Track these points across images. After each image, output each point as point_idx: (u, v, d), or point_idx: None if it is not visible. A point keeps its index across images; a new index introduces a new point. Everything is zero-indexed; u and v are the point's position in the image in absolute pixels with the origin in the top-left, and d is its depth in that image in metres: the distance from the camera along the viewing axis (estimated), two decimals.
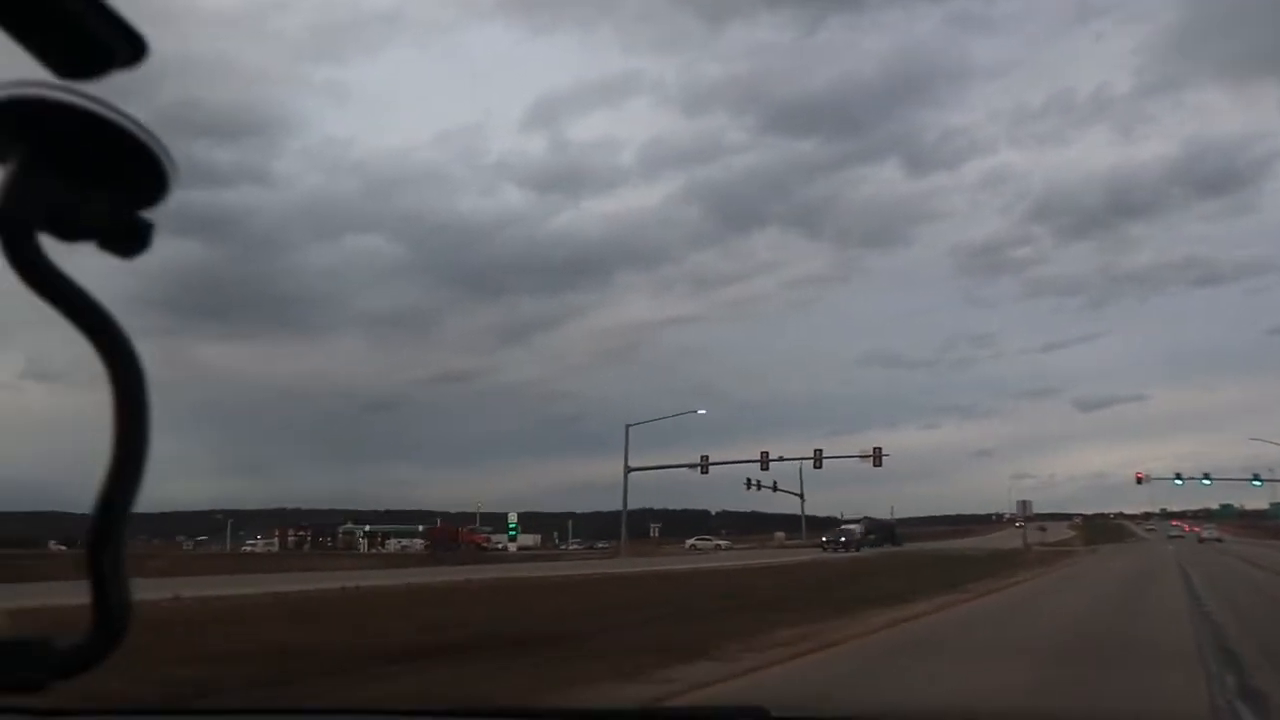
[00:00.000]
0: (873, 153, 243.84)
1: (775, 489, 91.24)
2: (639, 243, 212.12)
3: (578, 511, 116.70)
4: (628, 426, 61.14)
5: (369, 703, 5.32)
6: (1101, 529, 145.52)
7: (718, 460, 63.45)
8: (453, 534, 79.65)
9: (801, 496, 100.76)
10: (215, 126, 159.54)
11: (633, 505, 64.95)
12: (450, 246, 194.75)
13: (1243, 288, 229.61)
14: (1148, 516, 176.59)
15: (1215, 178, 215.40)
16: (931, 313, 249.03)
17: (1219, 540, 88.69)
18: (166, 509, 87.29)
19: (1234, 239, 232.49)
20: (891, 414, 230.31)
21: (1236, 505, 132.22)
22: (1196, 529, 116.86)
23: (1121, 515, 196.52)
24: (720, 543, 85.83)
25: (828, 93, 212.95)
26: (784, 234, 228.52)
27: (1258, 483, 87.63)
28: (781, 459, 62.74)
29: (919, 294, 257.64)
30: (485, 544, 75.33)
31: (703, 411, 70.06)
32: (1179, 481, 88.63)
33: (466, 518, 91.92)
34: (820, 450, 62.24)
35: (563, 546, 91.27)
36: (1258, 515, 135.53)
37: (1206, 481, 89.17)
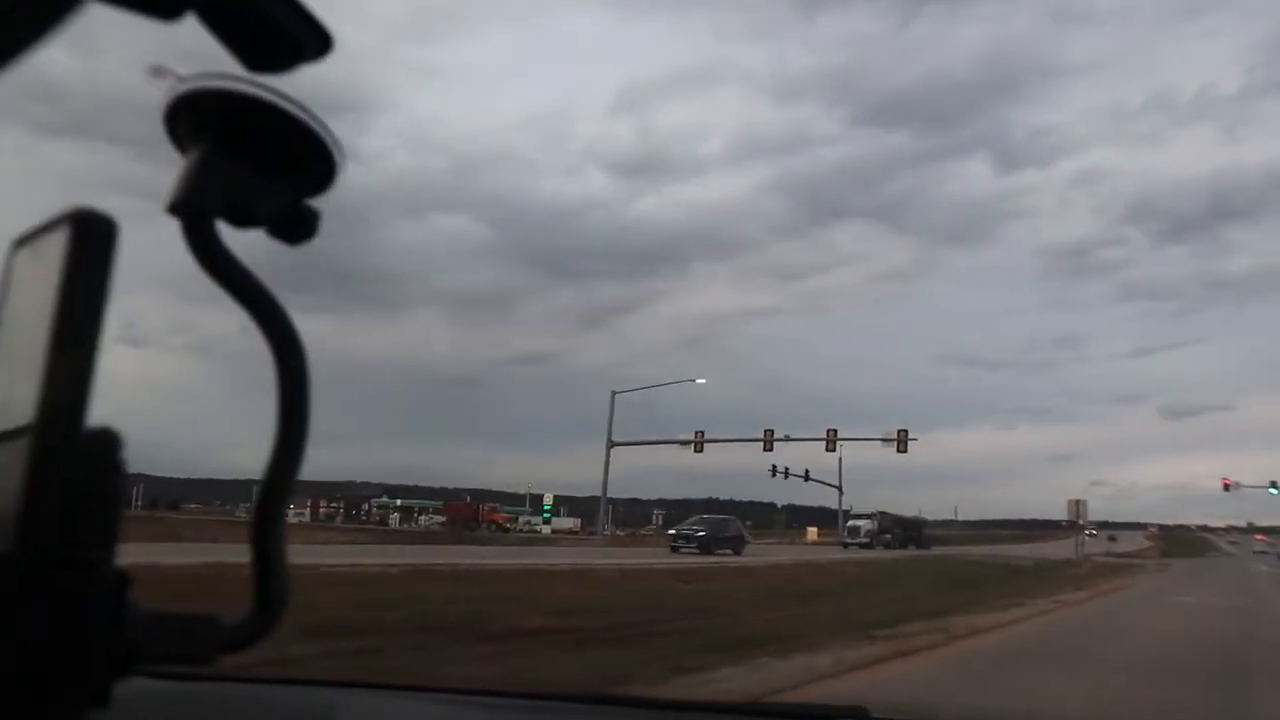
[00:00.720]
0: (962, 148, 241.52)
1: (807, 478, 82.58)
2: (720, 231, 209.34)
3: (644, 498, 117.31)
4: (614, 394, 52.79)
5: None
6: (1181, 541, 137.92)
7: (715, 439, 54.41)
8: (473, 511, 76.48)
9: (840, 489, 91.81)
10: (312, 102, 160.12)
11: (697, 495, 58.42)
12: (533, 228, 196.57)
13: None
14: (1231, 530, 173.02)
15: None
16: (1015, 313, 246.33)
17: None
18: (239, 475, 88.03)
19: None
20: (966, 413, 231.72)
21: None
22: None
23: (1204, 528, 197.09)
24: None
25: (919, 85, 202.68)
26: (868, 228, 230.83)
27: None
28: (788, 438, 53.48)
29: (1003, 293, 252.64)
30: (508, 524, 72.49)
31: (702, 380, 61.19)
32: (1275, 490, 78.56)
33: (518, 499, 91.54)
34: (834, 430, 52.97)
35: (605, 532, 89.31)
36: None
37: None
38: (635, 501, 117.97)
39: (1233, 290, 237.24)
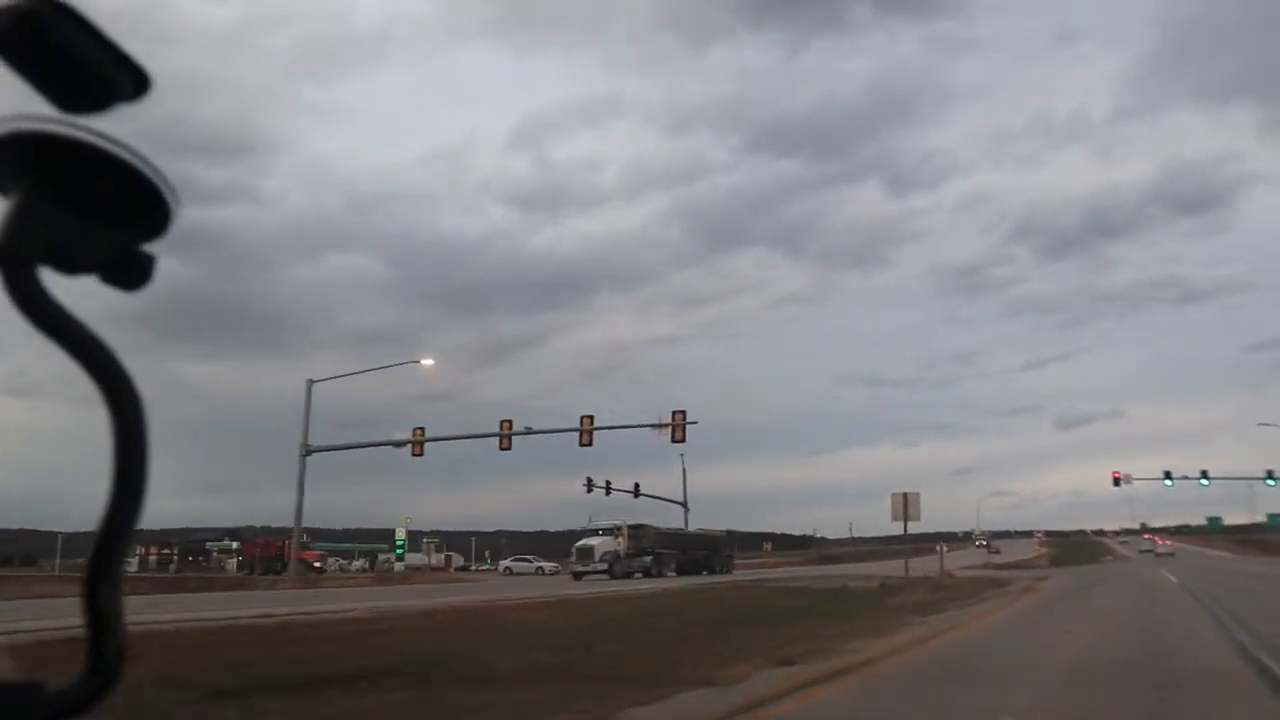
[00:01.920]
0: (855, 173, 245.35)
1: (637, 494, 70.50)
2: (621, 262, 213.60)
3: (551, 530, 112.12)
4: (310, 382, 40.86)
5: None
6: (1076, 546, 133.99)
7: (439, 437, 41.68)
8: (276, 549, 66.25)
9: (685, 505, 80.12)
10: (201, 143, 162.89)
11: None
12: (432, 264, 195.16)
13: (1220, 305, 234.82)
14: (1125, 532, 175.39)
15: (1192, 198, 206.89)
16: (912, 332, 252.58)
17: (1171, 555, 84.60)
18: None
19: (1211, 258, 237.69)
20: (870, 432, 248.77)
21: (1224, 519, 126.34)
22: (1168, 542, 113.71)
23: (1099, 532, 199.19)
24: (545, 565, 64.55)
25: (811, 114, 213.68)
26: (767, 254, 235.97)
27: (1271, 482, 68.51)
28: (529, 430, 41.30)
29: (900, 313, 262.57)
30: (319, 562, 65.35)
31: (428, 361, 48.98)
32: (1169, 482, 70.37)
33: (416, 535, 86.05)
34: (590, 418, 41.02)
35: (476, 567, 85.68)
36: (1244, 529, 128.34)
37: (1205, 482, 70.70)
38: (540, 535, 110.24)
39: (1115, 303, 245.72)
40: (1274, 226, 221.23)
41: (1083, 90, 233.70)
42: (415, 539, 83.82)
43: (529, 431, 42.06)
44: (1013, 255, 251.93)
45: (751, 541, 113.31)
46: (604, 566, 45.09)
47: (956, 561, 74.05)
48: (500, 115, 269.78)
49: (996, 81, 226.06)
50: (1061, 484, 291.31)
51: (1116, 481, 72.55)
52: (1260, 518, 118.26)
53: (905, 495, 28.94)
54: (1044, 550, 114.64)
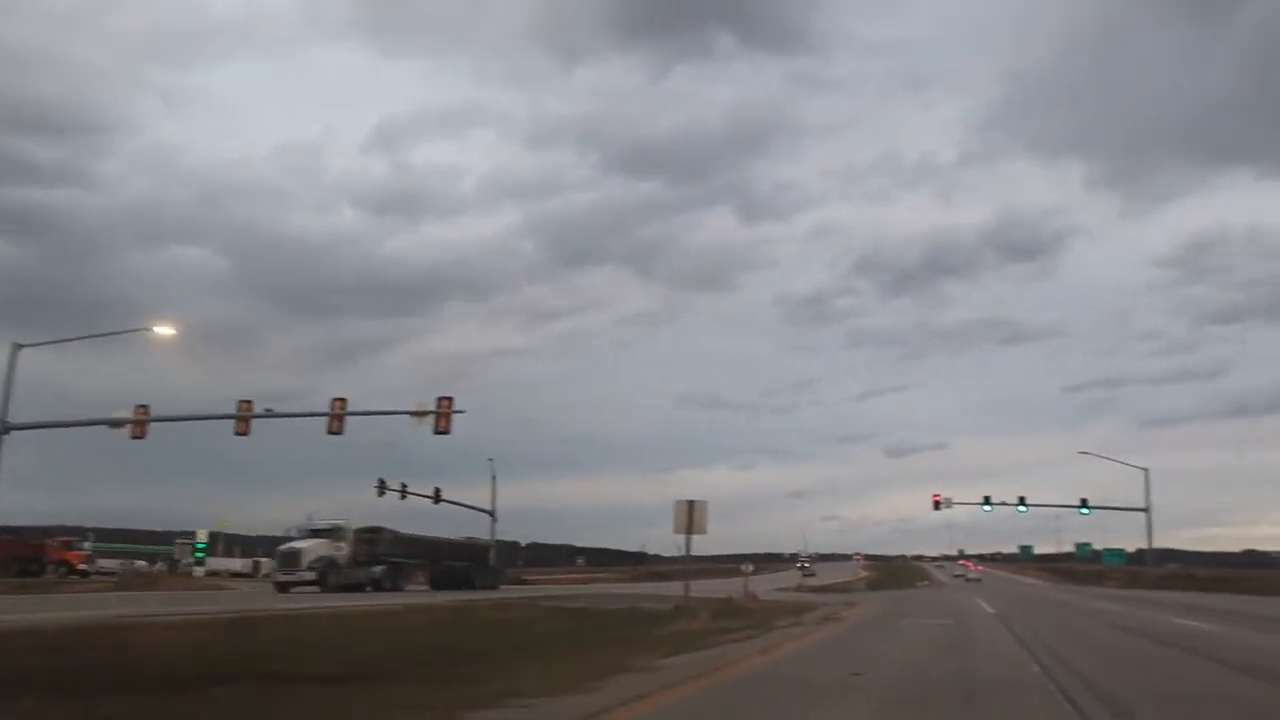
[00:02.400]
0: (709, 199, 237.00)
1: (437, 499, 64.12)
2: (473, 271, 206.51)
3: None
4: (16, 346, 32.39)
5: None
6: (898, 570, 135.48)
7: (169, 416, 34.45)
8: (33, 549, 57.49)
9: (493, 515, 73.94)
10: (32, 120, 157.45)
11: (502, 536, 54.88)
12: (280, 263, 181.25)
13: (1043, 348, 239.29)
14: (944, 558, 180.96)
15: (1023, 245, 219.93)
16: (755, 357, 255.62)
17: (979, 580, 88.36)
18: None
19: (1037, 303, 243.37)
20: (710, 453, 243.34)
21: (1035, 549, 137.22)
22: (979, 568, 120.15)
23: (920, 557, 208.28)
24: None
25: (671, 138, 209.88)
26: (618, 272, 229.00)
27: (1086, 510, 68.15)
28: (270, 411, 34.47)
29: (744, 338, 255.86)
30: (83, 563, 57.51)
31: (166, 330, 41.03)
32: (988, 508, 69.39)
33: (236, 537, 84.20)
34: (342, 401, 34.64)
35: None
36: (1052, 558, 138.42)
37: (1022, 509, 70.02)
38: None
39: (948, 339, 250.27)
40: (1093, 278, 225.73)
41: (930, 135, 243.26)
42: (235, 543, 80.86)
43: (269, 414, 35.34)
44: (856, 288, 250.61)
45: (566, 555, 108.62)
46: (312, 576, 37.66)
47: (772, 583, 71.02)
48: (359, 116, 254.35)
49: (850, 120, 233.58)
50: (888, 510, 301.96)
51: (937, 505, 70.95)
52: (1065, 548, 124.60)
53: (690, 504, 24.05)
54: (865, 574, 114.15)
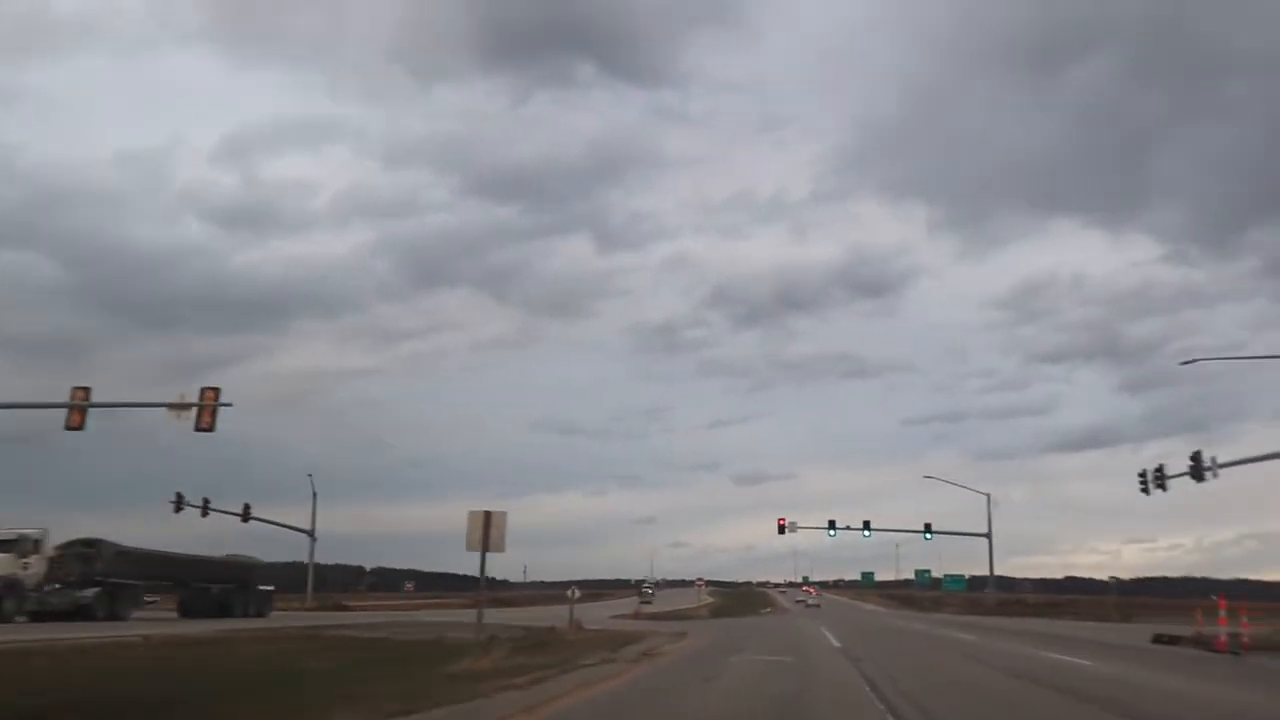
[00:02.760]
0: (566, 226, 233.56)
1: (205, 511, 57.85)
2: (325, 289, 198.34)
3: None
4: None
5: None
6: (744, 596, 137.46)
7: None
8: None
9: (312, 535, 67.75)
10: None
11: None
12: (119, 273, 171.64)
13: (883, 383, 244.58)
14: (790, 585, 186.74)
15: (869, 283, 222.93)
16: (608, 384, 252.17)
17: (818, 606, 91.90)
18: None
19: (879, 339, 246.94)
20: (562, 479, 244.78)
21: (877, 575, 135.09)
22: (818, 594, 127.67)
23: (765, 584, 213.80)
24: None
25: (531, 164, 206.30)
26: (473, 295, 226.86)
27: (929, 536, 67.15)
28: None
29: (598, 365, 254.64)
30: None
31: None
32: (832, 532, 67.49)
33: None
34: (85, 390, 28.86)
35: None
36: (891, 585, 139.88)
37: (867, 533, 68.46)
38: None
39: (795, 371, 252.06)
40: (933, 316, 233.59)
41: (783, 173, 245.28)
42: None
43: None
44: (708, 319, 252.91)
45: (397, 579, 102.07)
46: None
47: (610, 610, 67.41)
48: (210, 125, 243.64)
49: (707, 155, 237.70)
50: (736, 538, 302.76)
51: (782, 529, 68.71)
52: (905, 575, 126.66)
53: (487, 516, 19.88)
54: (710, 600, 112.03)
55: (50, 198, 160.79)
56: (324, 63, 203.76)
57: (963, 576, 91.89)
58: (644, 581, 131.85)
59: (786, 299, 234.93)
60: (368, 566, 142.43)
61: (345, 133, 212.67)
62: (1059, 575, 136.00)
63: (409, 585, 78.83)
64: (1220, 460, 37.22)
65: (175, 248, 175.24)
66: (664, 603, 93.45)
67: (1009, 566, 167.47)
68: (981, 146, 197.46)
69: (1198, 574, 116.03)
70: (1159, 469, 41.69)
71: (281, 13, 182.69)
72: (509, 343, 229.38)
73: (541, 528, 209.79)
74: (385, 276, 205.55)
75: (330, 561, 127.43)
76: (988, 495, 67.35)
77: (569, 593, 37.62)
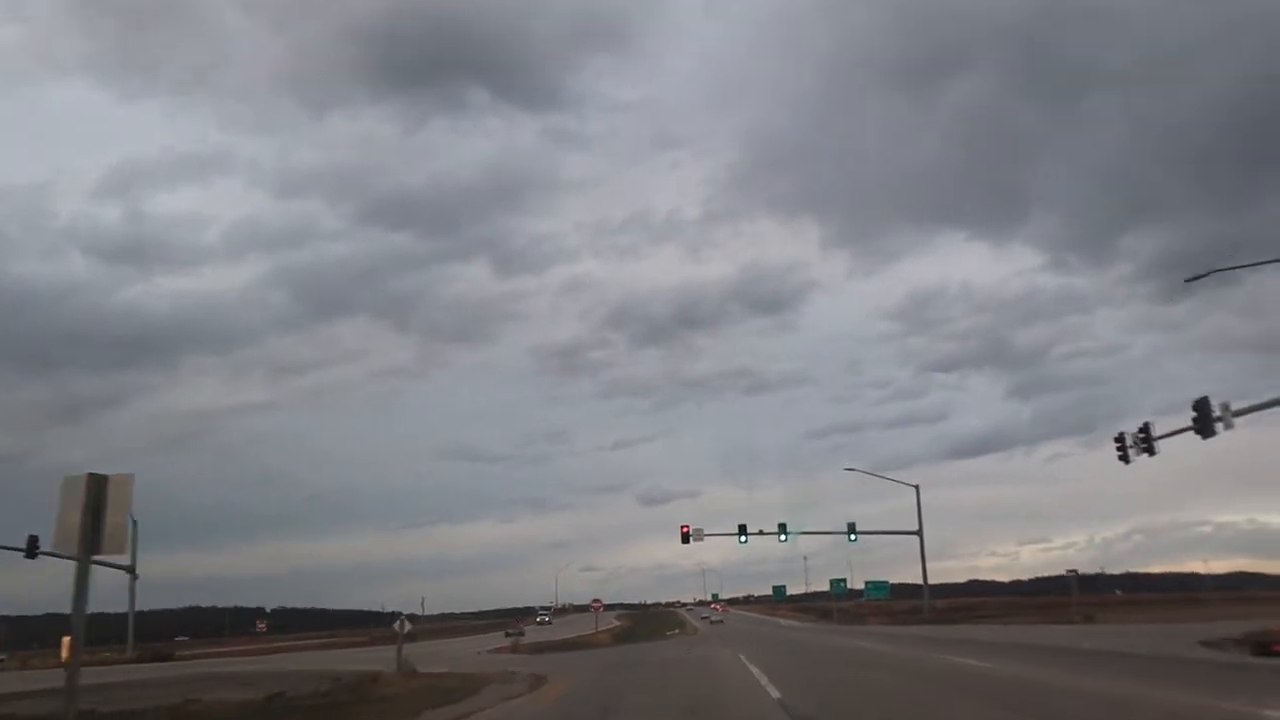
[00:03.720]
0: (464, 251, 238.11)
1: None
2: (216, 323, 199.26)
3: (115, 611, 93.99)
4: None
5: None
6: (654, 618, 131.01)
7: None
8: None
9: (133, 572, 56.00)
10: None
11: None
12: None
13: (783, 397, 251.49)
14: (699, 603, 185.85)
15: (765, 299, 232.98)
16: (512, 409, 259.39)
17: (720, 622, 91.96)
18: None
19: (777, 354, 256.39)
20: (469, 506, 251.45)
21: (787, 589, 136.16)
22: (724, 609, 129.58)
23: (675, 604, 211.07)
24: None
25: (425, 190, 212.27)
26: (372, 324, 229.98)
27: (853, 537, 58.72)
28: None
29: (501, 390, 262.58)
30: None
31: None
32: (743, 539, 58.93)
33: None
34: None
35: None
36: (800, 598, 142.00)
37: (784, 537, 59.73)
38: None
39: (697, 389, 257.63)
40: (829, 330, 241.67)
41: (677, 193, 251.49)
42: None
43: None
44: (609, 340, 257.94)
45: (299, 619, 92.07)
46: None
47: (488, 643, 57.74)
48: (93, 159, 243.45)
49: (602, 176, 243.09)
50: (644, 558, 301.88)
51: (685, 538, 59.44)
52: (815, 588, 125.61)
53: (97, 483, 10.05)
54: (618, 623, 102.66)
55: None
56: (209, 93, 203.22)
57: (886, 583, 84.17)
58: (548, 608, 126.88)
59: (685, 317, 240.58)
60: (268, 607, 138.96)
61: (235, 164, 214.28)
62: (962, 579, 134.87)
63: (260, 625, 67.55)
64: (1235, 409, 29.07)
65: (57, 284, 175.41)
66: (564, 629, 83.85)
67: (914, 573, 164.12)
68: (869, 163, 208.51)
69: (1093, 570, 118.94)
70: (1144, 428, 33.63)
71: (165, 44, 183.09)
72: (410, 371, 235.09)
73: (448, 557, 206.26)
74: (280, 308, 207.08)
75: (228, 604, 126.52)
76: (916, 487, 59.50)
77: (396, 625, 27.41)
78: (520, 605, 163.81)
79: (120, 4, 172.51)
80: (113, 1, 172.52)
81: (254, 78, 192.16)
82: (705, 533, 59.50)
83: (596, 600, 64.56)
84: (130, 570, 55.99)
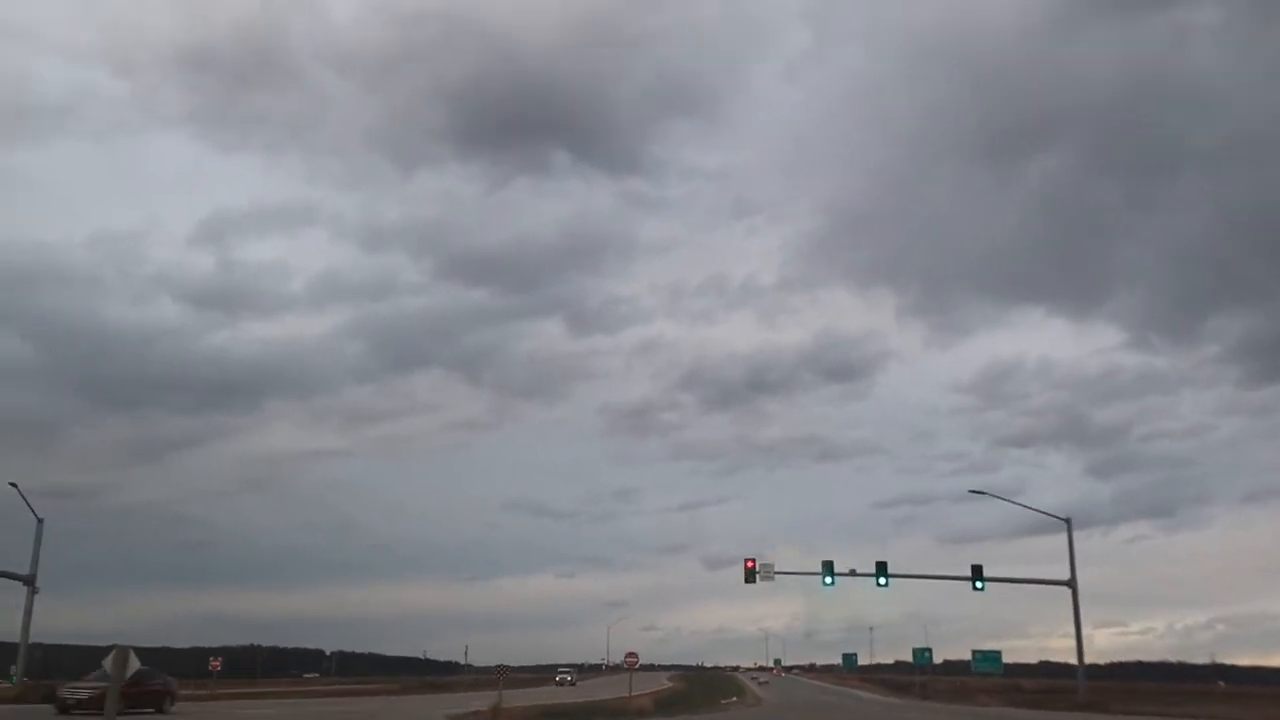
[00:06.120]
0: (540, 309, 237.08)
1: None
2: (297, 371, 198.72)
3: (207, 646, 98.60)
4: None
5: None
6: (709, 682, 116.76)
7: None
8: None
9: (33, 584, 43.61)
10: None
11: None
12: (88, 353, 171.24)
13: (854, 465, 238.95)
14: (759, 668, 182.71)
15: (838, 367, 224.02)
16: (580, 466, 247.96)
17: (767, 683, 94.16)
18: None
19: (848, 422, 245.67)
20: (532, 560, 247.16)
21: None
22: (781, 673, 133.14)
23: (734, 668, 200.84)
24: None
25: (505, 248, 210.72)
26: (445, 377, 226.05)
27: (980, 585, 43.74)
28: None
29: (569, 447, 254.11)
30: None
31: None
32: (829, 580, 44.17)
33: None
34: None
35: None
36: (875, 669, 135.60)
37: (883, 581, 44.83)
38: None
39: (765, 454, 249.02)
40: (902, 400, 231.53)
41: (753, 259, 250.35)
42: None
43: None
44: (679, 402, 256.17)
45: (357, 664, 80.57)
46: None
47: (472, 702, 44.13)
48: (188, 208, 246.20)
49: (680, 240, 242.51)
50: (706, 620, 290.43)
51: (750, 574, 45.36)
52: (879, 659, 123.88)
53: None
54: (669, 684, 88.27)
55: (22, 278, 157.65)
56: (302, 147, 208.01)
57: (998, 653, 68.27)
58: (601, 664, 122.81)
59: (756, 382, 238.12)
60: (328, 650, 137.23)
61: (323, 216, 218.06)
62: (1033, 660, 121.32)
63: (213, 662, 55.12)
64: None
65: (147, 328, 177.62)
66: (602, 689, 70.20)
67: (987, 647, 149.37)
68: (947, 235, 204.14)
69: (1172, 659, 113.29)
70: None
71: (261, 98, 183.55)
72: (481, 424, 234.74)
73: (509, 610, 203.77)
74: (359, 358, 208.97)
75: (290, 645, 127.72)
76: (1068, 520, 44.22)
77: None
78: (579, 661, 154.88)
79: (224, 62, 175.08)
80: (217, 59, 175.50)
81: (346, 135, 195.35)
82: (775, 569, 45.29)
83: (631, 654, 49.25)
84: (29, 581, 43.78)
